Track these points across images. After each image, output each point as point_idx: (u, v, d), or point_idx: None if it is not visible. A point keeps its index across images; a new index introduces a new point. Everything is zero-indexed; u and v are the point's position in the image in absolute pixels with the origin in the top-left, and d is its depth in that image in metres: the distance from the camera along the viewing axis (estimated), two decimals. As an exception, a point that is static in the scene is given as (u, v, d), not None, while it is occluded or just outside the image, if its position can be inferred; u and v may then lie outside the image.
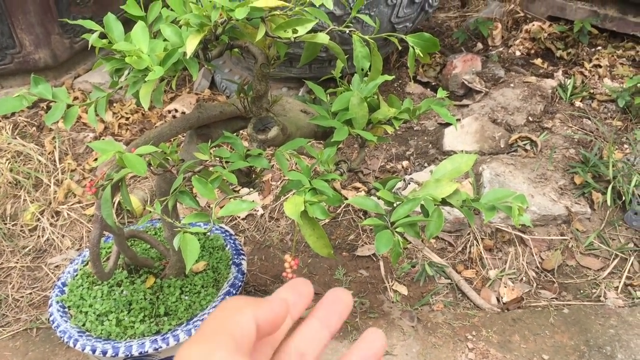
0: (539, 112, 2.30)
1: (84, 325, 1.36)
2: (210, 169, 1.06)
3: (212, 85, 2.64)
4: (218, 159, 1.06)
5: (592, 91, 2.42)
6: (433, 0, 2.23)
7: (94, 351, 1.27)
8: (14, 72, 2.59)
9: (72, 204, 2.08)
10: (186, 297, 1.40)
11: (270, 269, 1.86)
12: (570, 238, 1.88)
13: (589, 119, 2.27)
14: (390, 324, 1.67)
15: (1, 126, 2.43)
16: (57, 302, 1.42)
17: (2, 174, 2.13)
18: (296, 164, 1.03)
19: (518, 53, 2.75)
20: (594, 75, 2.55)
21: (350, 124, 1.10)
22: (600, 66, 2.58)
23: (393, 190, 1.08)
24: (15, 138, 2.32)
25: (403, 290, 1.77)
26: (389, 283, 1.80)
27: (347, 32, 0.97)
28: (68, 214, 2.04)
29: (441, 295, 1.76)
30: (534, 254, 1.85)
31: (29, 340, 1.68)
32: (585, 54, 2.69)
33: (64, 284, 1.48)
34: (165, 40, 0.98)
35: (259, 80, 1.07)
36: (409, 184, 1.08)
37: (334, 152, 1.04)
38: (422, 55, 0.94)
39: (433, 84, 2.58)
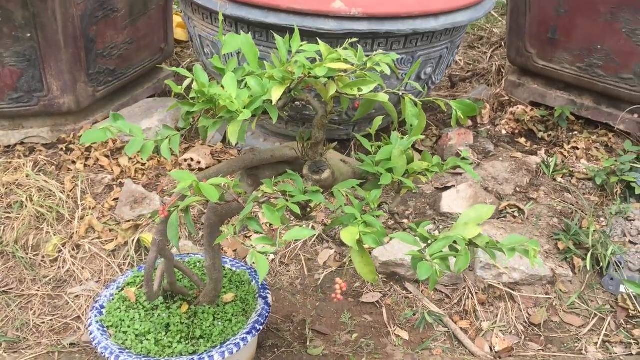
0: (525, 184, 2.54)
1: (124, 343, 1.47)
2: (273, 201, 1.23)
3: (223, 140, 2.82)
4: (279, 192, 1.23)
5: (571, 169, 2.68)
6: (436, 77, 2.49)
7: (137, 365, 1.39)
8: (36, 114, 2.73)
9: (92, 239, 2.20)
10: (219, 323, 1.53)
11: (281, 310, 2.00)
12: (555, 297, 2.07)
13: (570, 192, 2.52)
14: (395, 365, 1.81)
15: (22, 163, 2.55)
16: (97, 322, 1.53)
17: (26, 207, 2.25)
18: (349, 201, 1.21)
19: (504, 132, 3.02)
20: (572, 155, 2.82)
21: (391, 172, 1.29)
22: (577, 148, 2.86)
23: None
24: (39, 174, 2.45)
25: (404, 335, 1.92)
26: (391, 328, 1.95)
27: (401, 94, 1.18)
28: (89, 248, 2.15)
29: (439, 342, 1.91)
30: (522, 310, 2.03)
31: (53, 362, 1.76)
32: (564, 136, 2.97)
33: (102, 306, 1.59)
34: (248, 88, 1.18)
35: (318, 129, 1.26)
36: (439, 226, 1.27)
37: (380, 193, 1.23)
38: (462, 117, 1.15)
39: (430, 153, 2.81)
